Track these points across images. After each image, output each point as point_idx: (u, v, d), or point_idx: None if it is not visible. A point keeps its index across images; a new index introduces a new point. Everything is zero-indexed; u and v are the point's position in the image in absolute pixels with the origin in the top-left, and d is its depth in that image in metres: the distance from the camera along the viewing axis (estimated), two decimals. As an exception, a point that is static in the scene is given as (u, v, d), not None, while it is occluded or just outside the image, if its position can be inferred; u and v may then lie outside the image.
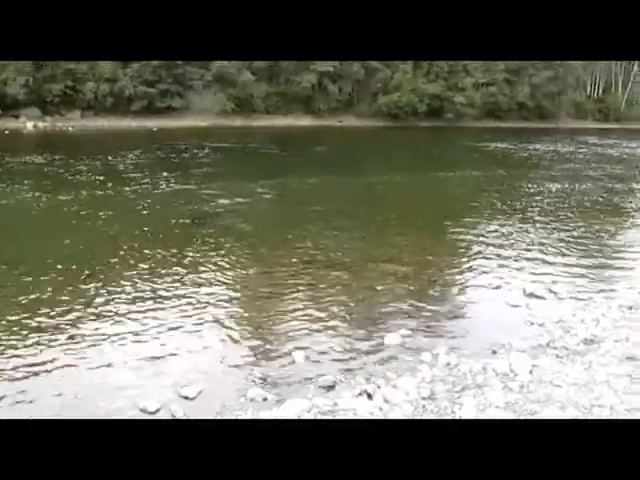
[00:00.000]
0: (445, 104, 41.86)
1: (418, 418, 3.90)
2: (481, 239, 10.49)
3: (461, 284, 8.14)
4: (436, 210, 13.26)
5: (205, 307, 6.91)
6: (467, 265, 8.98)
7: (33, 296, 6.98)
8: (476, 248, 9.89)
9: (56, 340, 5.93)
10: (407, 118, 40.45)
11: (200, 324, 6.45)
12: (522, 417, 4.41)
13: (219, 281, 7.82)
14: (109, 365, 5.49)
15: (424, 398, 4.84)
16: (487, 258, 9.31)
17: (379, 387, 5.02)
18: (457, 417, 4.51)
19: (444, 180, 17.07)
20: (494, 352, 5.95)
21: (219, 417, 4.59)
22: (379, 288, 7.66)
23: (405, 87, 41.15)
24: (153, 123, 32.74)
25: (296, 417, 4.46)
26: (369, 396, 4.81)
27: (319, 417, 4.46)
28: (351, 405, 4.67)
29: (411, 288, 7.73)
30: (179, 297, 7.16)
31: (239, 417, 4.54)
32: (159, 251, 8.99)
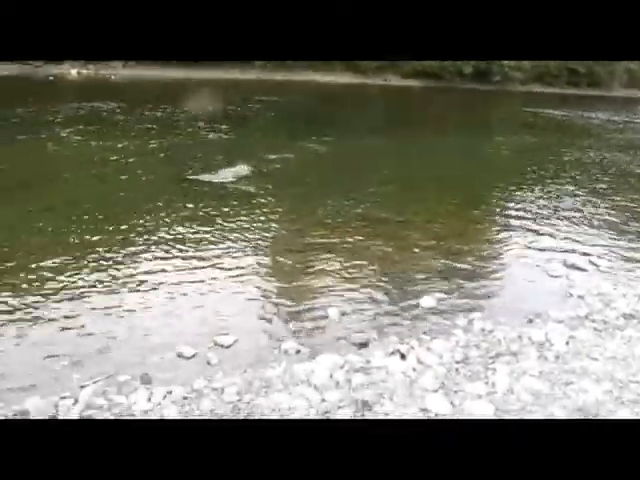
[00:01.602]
0: (492, 67, 40.56)
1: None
2: (527, 207, 10.25)
3: (501, 252, 8.01)
4: (482, 175, 12.96)
5: (241, 259, 6.98)
6: (508, 233, 8.80)
7: (73, 239, 7.17)
8: (521, 215, 9.68)
9: (95, 282, 6.09)
10: (452, 79, 39.37)
11: (235, 275, 6.53)
12: (556, 387, 4.37)
13: (255, 235, 7.87)
14: (146, 309, 5.64)
15: (457, 362, 4.83)
16: (530, 227, 9.11)
17: (413, 348, 5.02)
18: (489, 383, 4.50)
19: (493, 145, 16.59)
20: (530, 321, 5.87)
21: (251, 369, 4.66)
22: (416, 250, 7.60)
23: (452, 47, 39.91)
24: (194, 74, 32.53)
25: (329, 371, 4.51)
26: (402, 356, 4.82)
27: (352, 373, 4.50)
28: (384, 363, 4.69)
29: (449, 252, 7.63)
30: (216, 248, 7.25)
31: (273, 368, 4.62)
32: (199, 203, 9.07)
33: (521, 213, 9.79)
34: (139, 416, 3.97)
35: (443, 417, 3.91)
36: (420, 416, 3.97)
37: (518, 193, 11.22)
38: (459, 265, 7.22)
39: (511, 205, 10.30)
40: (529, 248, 8.09)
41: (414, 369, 4.65)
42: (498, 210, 10.04)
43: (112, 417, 3.87)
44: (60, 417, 3.85)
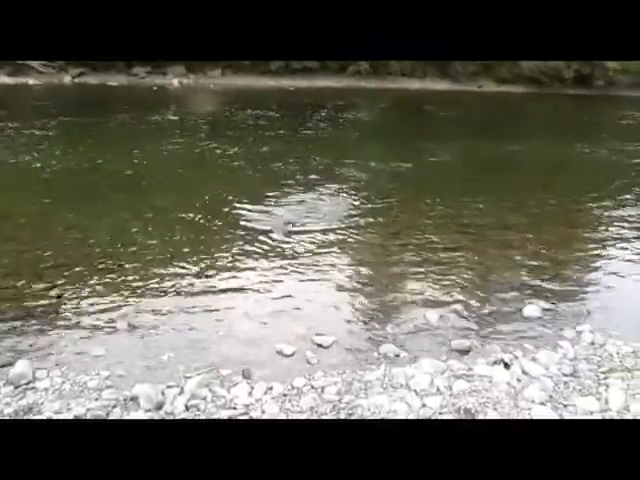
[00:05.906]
0: (595, 70, 38.49)
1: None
2: (631, 218, 9.59)
3: (609, 263, 7.52)
4: (582, 183, 12.24)
5: (333, 266, 6.99)
6: (618, 243, 8.26)
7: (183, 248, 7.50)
8: (623, 225, 9.07)
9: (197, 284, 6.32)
10: (552, 84, 37.67)
11: (330, 280, 6.56)
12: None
13: (350, 242, 7.87)
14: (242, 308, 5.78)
15: (566, 375, 4.58)
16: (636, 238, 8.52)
17: (516, 358, 4.82)
18: (603, 399, 4.23)
19: (594, 153, 15.70)
20: (646, 337, 5.47)
21: (351, 370, 4.64)
22: (517, 258, 7.31)
23: (552, 51, 38.20)
24: (288, 83, 33.12)
25: (429, 377, 4.41)
26: (506, 365, 4.64)
27: (453, 380, 4.38)
28: (487, 372, 4.53)
29: (553, 260, 7.28)
30: (314, 251, 7.33)
31: (373, 370, 4.58)
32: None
33: (627, 224, 9.16)
34: (240, 409, 4.05)
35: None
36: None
37: (622, 203, 10.49)
38: (564, 275, 6.87)
39: (621, 214, 9.66)
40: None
41: (519, 379, 4.46)
42: (608, 220, 9.43)
43: (208, 410, 3.97)
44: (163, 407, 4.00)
